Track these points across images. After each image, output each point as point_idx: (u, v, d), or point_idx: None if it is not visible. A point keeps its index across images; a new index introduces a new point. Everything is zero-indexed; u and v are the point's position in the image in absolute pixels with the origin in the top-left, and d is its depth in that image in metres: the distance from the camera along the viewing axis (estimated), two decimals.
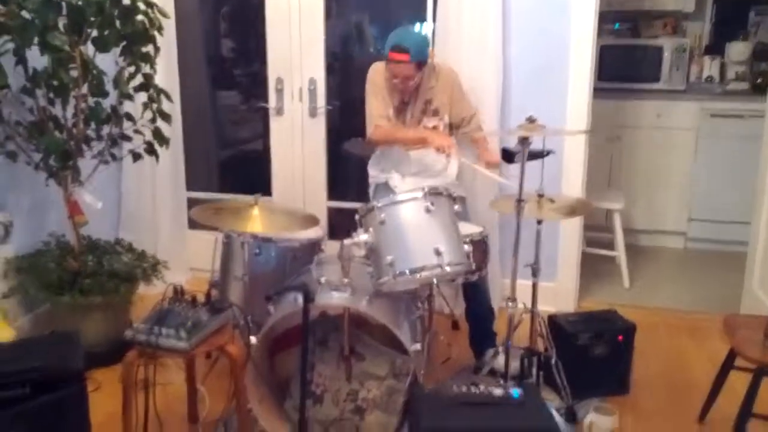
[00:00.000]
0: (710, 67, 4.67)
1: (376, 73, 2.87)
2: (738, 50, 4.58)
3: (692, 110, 4.34)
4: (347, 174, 3.84)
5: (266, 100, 3.66)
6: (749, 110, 4.17)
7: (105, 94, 2.72)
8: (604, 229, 3.90)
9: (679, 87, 4.52)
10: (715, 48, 4.69)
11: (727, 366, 2.38)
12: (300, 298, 1.90)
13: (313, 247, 2.63)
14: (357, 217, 2.21)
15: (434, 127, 2.89)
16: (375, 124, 2.84)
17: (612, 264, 3.88)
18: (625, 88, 4.50)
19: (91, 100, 2.71)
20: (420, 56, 2.70)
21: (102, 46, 2.66)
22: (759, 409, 2.18)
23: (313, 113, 3.60)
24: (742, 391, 2.18)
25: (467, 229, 2.48)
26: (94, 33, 2.63)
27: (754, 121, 3.85)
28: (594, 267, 3.81)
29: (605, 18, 4.47)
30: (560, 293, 3.43)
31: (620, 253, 3.86)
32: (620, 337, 2.61)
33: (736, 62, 4.60)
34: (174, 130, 3.45)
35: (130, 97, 2.84)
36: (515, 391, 1.93)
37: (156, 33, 2.82)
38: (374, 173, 3.02)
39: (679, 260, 4.39)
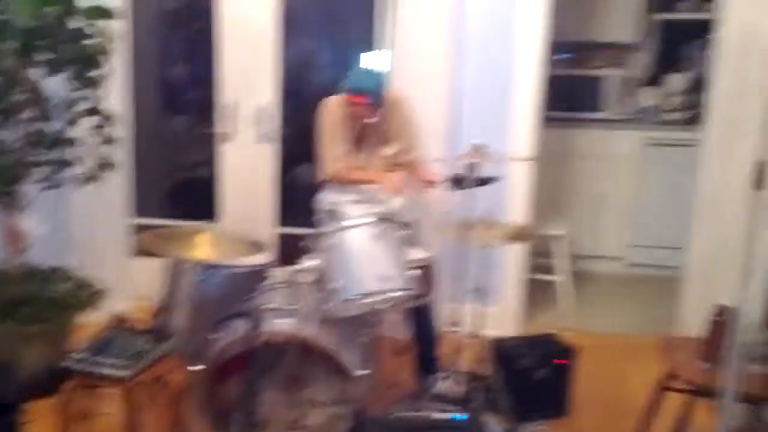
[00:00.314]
0: (651, 97, 4.86)
1: (330, 108, 2.87)
2: (677, 82, 4.78)
3: (633, 139, 4.51)
4: (298, 200, 3.84)
5: (218, 126, 3.66)
6: (686, 140, 4.32)
7: (51, 119, 2.69)
8: (548, 254, 3.99)
9: (621, 116, 4.70)
10: (656, 79, 4.88)
11: (663, 387, 2.46)
12: (245, 325, 1.91)
13: (261, 273, 2.62)
14: (305, 243, 2.23)
15: (393, 154, 2.92)
16: (331, 169, 2.86)
17: (556, 289, 3.98)
18: (569, 117, 4.63)
19: (37, 125, 2.68)
20: (377, 98, 2.72)
21: (50, 69, 2.64)
22: (694, 429, 2.26)
23: (265, 139, 3.61)
24: (679, 411, 2.26)
25: (415, 254, 2.52)
26: (43, 56, 2.61)
27: (691, 150, 4.01)
28: (538, 291, 3.88)
29: (551, 48, 4.62)
30: (504, 318, 3.48)
31: (563, 278, 3.96)
32: (561, 361, 2.65)
33: (674, 93, 4.79)
34: (123, 155, 3.41)
35: (75, 123, 2.81)
36: (458, 416, 1.97)
37: (105, 57, 2.80)
38: (324, 203, 3.04)
39: (619, 285, 4.51)
